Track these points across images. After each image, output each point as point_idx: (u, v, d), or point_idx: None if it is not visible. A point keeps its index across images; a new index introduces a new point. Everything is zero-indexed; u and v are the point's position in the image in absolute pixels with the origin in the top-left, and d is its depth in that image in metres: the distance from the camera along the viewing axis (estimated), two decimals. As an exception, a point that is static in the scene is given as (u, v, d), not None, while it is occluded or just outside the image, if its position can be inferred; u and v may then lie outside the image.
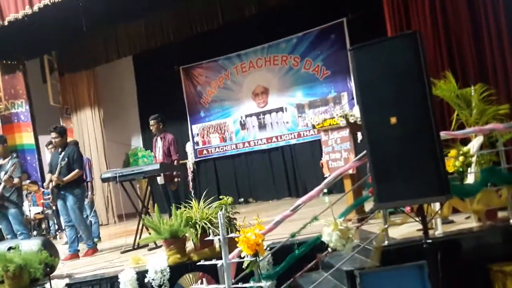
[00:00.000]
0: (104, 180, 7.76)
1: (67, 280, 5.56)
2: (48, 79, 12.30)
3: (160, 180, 7.93)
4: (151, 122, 8.21)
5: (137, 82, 13.88)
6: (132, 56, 12.91)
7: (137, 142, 14.01)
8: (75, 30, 9.95)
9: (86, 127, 12.85)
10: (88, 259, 7.07)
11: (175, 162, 8.12)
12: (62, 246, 8.38)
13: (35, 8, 8.83)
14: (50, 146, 8.70)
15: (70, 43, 11.77)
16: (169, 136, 8.20)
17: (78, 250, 7.39)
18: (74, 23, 9.59)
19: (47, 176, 7.36)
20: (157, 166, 7.35)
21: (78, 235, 7.49)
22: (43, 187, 9.83)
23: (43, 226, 11.08)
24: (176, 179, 8.00)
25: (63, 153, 7.24)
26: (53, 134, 7.34)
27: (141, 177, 7.51)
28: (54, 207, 10.27)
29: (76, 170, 7.16)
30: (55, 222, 10.93)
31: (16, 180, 7.21)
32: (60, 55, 12.65)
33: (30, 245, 5.86)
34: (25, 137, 11.99)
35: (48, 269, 5.48)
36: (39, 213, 10.91)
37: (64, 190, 7.14)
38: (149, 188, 7.67)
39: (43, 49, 11.89)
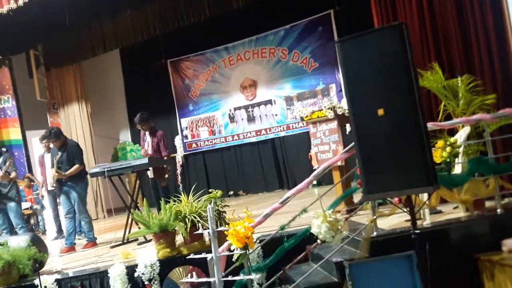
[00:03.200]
0: (92, 175, 7.72)
1: (56, 276, 5.54)
2: (35, 74, 12.15)
3: (150, 173, 7.91)
4: (139, 124, 8.08)
5: (124, 76, 13.77)
6: (119, 50, 12.80)
7: (125, 136, 13.93)
8: (61, 25, 9.86)
9: (73, 121, 12.75)
10: (79, 253, 7.07)
11: (165, 159, 8.09)
12: (51, 242, 8.35)
13: (20, 2, 8.70)
14: (44, 141, 8.64)
15: (56, 38, 11.64)
16: (158, 132, 8.15)
17: (75, 243, 7.44)
18: (60, 17, 9.50)
19: (52, 171, 7.33)
20: (145, 160, 7.32)
21: (77, 229, 7.55)
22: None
23: (32, 221, 11.02)
24: (166, 175, 7.98)
25: (62, 149, 7.28)
26: (51, 140, 7.40)
27: (129, 171, 7.49)
28: (42, 203, 10.28)
29: (77, 165, 7.24)
30: (44, 217, 10.89)
31: (13, 175, 7.35)
32: (47, 50, 12.49)
33: (19, 241, 5.84)
34: (12, 133, 11.91)
35: (37, 265, 5.47)
36: (27, 208, 10.85)
37: (68, 185, 7.23)
38: (138, 182, 7.65)
39: (29, 44, 11.75)
